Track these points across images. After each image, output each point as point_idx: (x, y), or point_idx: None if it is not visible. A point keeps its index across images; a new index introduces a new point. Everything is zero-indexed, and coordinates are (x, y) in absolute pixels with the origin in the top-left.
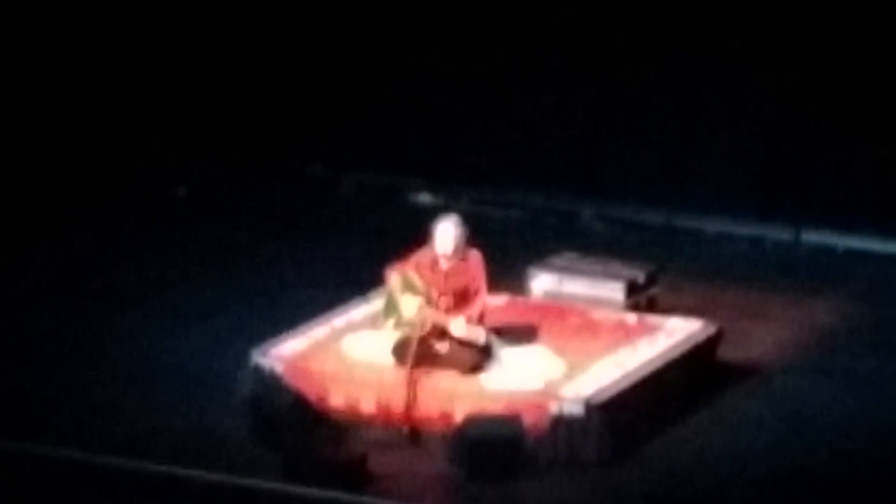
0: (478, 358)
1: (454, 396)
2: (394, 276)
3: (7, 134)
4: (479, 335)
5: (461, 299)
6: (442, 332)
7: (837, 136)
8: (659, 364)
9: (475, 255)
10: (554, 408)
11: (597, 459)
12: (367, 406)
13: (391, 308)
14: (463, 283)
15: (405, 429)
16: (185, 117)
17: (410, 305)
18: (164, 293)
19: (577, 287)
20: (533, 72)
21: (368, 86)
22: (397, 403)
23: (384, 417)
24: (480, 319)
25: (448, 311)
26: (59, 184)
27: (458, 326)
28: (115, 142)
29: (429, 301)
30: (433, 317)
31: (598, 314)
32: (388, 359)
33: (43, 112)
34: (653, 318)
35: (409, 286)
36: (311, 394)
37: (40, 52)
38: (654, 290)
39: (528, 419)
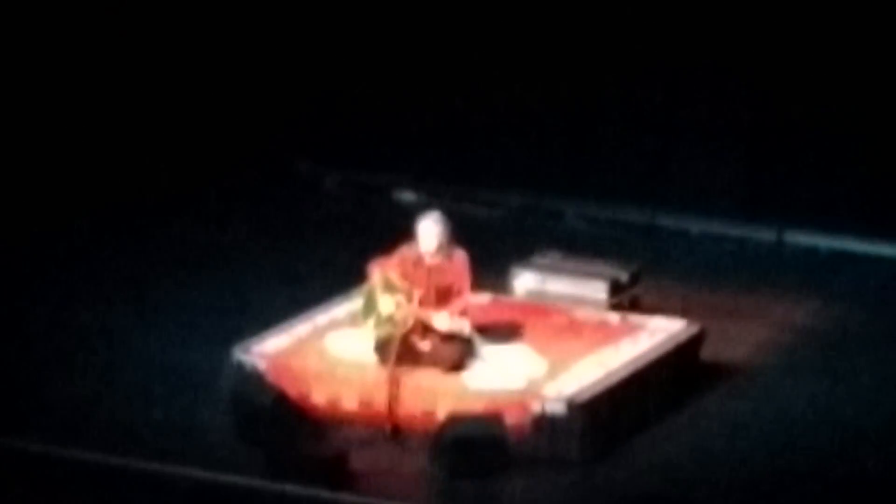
0: (460, 356)
1: (436, 395)
2: (375, 275)
3: None
4: (464, 326)
5: (444, 297)
6: (424, 330)
7: (821, 137)
8: (641, 364)
9: (460, 255)
10: (536, 407)
11: (579, 459)
12: (350, 404)
13: (370, 308)
14: (446, 281)
15: (387, 427)
16: (171, 114)
17: (388, 304)
18: (148, 289)
19: (560, 286)
20: (517, 70)
21: (353, 83)
22: (379, 401)
23: (366, 415)
24: (462, 318)
25: (431, 309)
26: (45, 182)
27: (442, 320)
28: (100, 138)
29: (410, 299)
30: (416, 314)
31: (581, 313)
32: (371, 357)
33: (29, 109)
34: (636, 318)
35: (389, 286)
36: (294, 391)
37: (21, 46)
38: (637, 290)
39: (511, 418)
